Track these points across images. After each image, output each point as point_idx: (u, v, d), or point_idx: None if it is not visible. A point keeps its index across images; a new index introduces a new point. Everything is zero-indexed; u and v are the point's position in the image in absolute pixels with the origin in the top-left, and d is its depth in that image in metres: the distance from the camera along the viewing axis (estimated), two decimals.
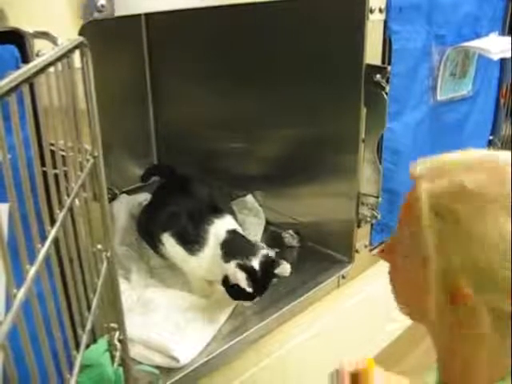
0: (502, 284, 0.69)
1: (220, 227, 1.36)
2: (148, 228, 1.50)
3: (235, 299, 1.28)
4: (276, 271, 1.30)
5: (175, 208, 1.42)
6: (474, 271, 0.70)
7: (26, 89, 0.50)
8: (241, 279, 1.22)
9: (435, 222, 0.73)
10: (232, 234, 1.35)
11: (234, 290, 1.25)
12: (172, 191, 1.53)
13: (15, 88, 0.44)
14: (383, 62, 1.34)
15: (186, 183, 1.52)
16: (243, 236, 1.38)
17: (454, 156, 0.77)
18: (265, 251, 1.30)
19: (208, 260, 1.34)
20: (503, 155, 0.74)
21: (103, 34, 1.27)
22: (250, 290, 1.23)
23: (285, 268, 1.31)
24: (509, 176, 0.70)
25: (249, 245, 1.34)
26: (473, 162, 0.74)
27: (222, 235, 1.34)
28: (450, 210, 0.71)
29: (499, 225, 0.68)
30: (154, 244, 1.45)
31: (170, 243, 1.39)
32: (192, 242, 1.36)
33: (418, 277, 0.76)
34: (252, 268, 1.24)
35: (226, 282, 1.26)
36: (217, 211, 1.40)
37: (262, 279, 1.25)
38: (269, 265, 1.28)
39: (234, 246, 1.32)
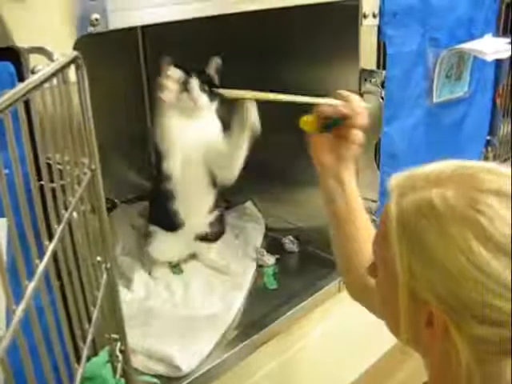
0: (470, 309, 0.65)
1: None
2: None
3: None
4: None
5: None
6: (440, 295, 0.66)
7: (21, 105, 0.50)
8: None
9: (402, 238, 0.69)
10: None
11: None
12: None
13: (10, 105, 0.45)
14: (378, 67, 1.35)
15: None
16: None
17: (429, 168, 0.73)
18: None
19: None
20: (480, 168, 0.70)
21: (100, 46, 1.28)
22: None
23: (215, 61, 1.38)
24: (480, 194, 0.65)
25: None
26: (445, 176, 0.70)
27: None
28: (416, 226, 0.68)
29: (465, 249, 0.64)
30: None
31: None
32: None
33: (392, 295, 0.73)
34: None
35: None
36: None
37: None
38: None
39: None
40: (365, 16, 1.26)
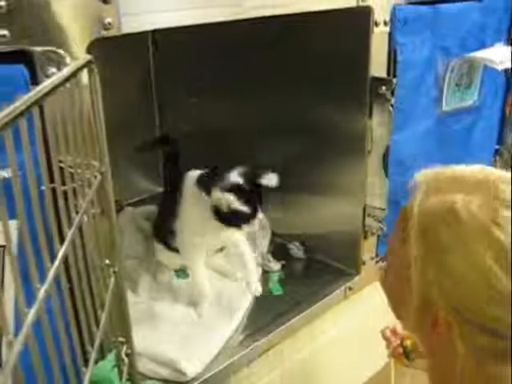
0: (475, 317, 0.67)
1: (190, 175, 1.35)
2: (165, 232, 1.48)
3: (233, 225, 1.23)
4: (263, 182, 1.21)
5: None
6: (449, 300, 0.68)
7: (35, 110, 0.50)
8: (233, 201, 1.16)
9: (421, 239, 0.70)
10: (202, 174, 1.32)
11: (228, 216, 1.20)
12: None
13: (25, 111, 0.45)
14: (388, 74, 1.34)
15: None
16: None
17: (455, 171, 0.74)
18: (242, 167, 1.23)
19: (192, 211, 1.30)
20: (502, 178, 0.71)
21: (109, 50, 1.28)
22: (243, 208, 1.17)
23: (272, 178, 1.22)
24: (500, 206, 0.66)
25: (217, 168, 1.27)
26: (471, 182, 0.70)
27: (194, 177, 1.31)
28: (436, 231, 0.69)
29: (480, 264, 0.65)
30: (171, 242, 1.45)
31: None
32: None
33: (403, 294, 0.74)
34: (236, 184, 1.18)
35: (217, 211, 1.20)
36: None
37: (250, 193, 1.19)
38: (252, 175, 1.21)
39: (205, 176, 1.27)
40: (376, 23, 1.26)
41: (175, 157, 1.49)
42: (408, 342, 1.18)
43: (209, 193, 1.21)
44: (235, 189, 1.18)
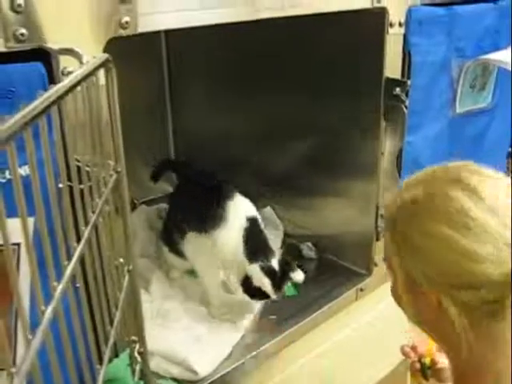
0: (449, 279, 0.74)
1: (239, 207, 1.36)
2: (172, 233, 1.47)
3: (252, 298, 1.32)
4: (291, 275, 1.31)
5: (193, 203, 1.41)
6: (429, 277, 0.76)
7: (55, 109, 0.51)
8: (266, 285, 1.26)
9: (393, 231, 0.82)
10: (252, 222, 1.34)
11: (253, 291, 1.29)
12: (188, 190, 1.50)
13: (45, 110, 0.45)
14: (403, 76, 1.34)
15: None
16: (261, 228, 1.37)
17: (423, 171, 0.83)
18: (281, 254, 1.35)
19: (228, 241, 1.32)
20: (462, 168, 0.79)
21: (122, 49, 1.28)
22: (273, 295, 1.28)
23: (299, 275, 1.32)
24: (454, 189, 0.75)
25: (267, 242, 1.35)
26: (431, 176, 0.81)
27: (243, 219, 1.33)
28: (401, 220, 0.80)
29: (437, 233, 0.74)
30: (178, 249, 1.44)
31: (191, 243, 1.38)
32: (210, 220, 1.33)
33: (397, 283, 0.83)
34: (274, 271, 1.27)
35: (246, 282, 1.29)
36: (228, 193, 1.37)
37: (280, 281, 1.29)
38: (286, 266, 1.31)
39: (256, 243, 1.31)
40: (391, 25, 1.26)
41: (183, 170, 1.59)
42: (427, 360, 1.18)
43: (251, 262, 1.28)
44: (272, 275, 1.27)
